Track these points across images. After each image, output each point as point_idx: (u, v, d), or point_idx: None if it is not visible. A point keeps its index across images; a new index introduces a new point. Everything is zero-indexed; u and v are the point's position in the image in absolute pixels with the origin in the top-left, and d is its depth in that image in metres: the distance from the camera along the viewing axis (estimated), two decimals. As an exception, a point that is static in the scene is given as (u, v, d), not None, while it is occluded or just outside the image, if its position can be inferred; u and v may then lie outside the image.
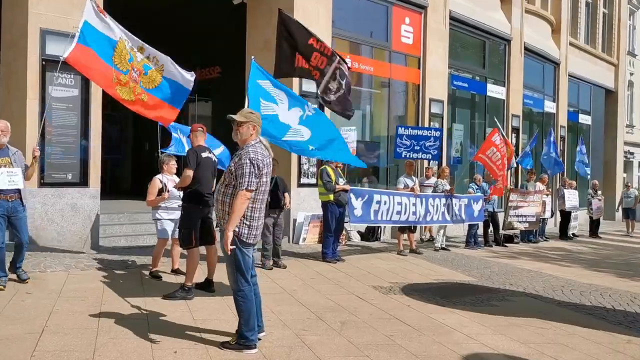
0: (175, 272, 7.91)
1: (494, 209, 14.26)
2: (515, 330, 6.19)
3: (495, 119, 16.43)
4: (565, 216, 17.49)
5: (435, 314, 6.70)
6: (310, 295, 7.32)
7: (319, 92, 9.44)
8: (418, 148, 11.68)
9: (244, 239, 4.91)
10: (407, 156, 11.77)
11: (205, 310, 6.04)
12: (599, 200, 19.10)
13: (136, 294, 6.67)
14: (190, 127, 7.43)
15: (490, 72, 18.49)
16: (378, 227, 13.21)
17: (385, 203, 10.81)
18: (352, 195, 10.05)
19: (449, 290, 8.33)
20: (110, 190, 16.19)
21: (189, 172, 6.48)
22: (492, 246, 14.11)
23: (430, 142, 11.65)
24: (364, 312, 6.62)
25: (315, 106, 8.61)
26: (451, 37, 16.30)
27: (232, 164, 4.95)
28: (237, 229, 4.85)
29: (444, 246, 12.85)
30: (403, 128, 11.85)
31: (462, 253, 12.52)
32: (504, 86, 18.84)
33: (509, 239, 15.29)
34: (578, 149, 19.31)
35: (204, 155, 6.66)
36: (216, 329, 5.46)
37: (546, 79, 21.99)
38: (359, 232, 13.59)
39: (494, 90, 18.44)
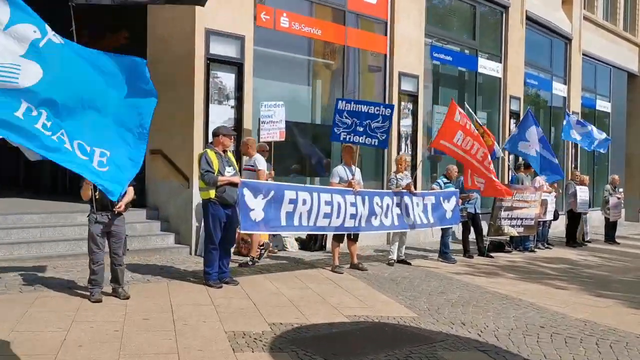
0: None
1: (475, 210, 11.20)
2: None
3: (467, 105, 13.38)
4: (574, 218, 14.31)
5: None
6: (91, 357, 4.42)
7: None
8: (362, 129, 8.63)
9: None
10: (347, 139, 8.77)
11: None
12: (618, 198, 15.85)
13: None
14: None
15: (482, 44, 15.35)
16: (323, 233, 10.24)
17: (305, 202, 7.86)
18: (245, 191, 7.12)
19: (352, 339, 5.36)
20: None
21: None
22: (472, 257, 11.06)
23: (377, 122, 8.62)
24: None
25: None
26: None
27: None
28: None
29: (402, 258, 9.85)
30: (344, 102, 8.84)
31: (425, 267, 9.52)
32: (501, 62, 15.69)
33: (499, 246, 12.23)
34: (566, 120, 15.09)
35: None
36: None
37: (555, 56, 18.73)
38: (298, 239, 10.67)
39: (488, 67, 15.31)
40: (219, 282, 6.99)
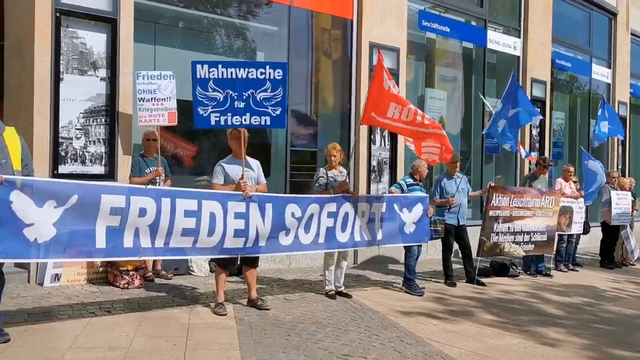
0: None
1: (459, 221, 8.28)
2: None
3: (482, 96, 10.44)
4: (610, 232, 11.09)
5: None
6: None
7: None
8: (242, 105, 5.73)
9: None
10: (222, 123, 5.84)
11: None
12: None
13: None
14: None
15: (494, 13, 12.36)
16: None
17: (144, 213, 5.19)
18: (15, 195, 4.42)
19: None
20: None
21: None
22: (454, 285, 8.17)
23: (265, 91, 5.78)
24: None
25: None
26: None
27: None
28: None
29: (340, 289, 7.06)
30: (206, 66, 5.55)
31: (365, 304, 6.70)
32: (520, 37, 12.65)
33: (502, 269, 9.26)
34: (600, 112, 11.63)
35: None
36: None
37: (596, 34, 15.39)
38: (213, 260, 8.02)
39: (501, 42, 12.31)
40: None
